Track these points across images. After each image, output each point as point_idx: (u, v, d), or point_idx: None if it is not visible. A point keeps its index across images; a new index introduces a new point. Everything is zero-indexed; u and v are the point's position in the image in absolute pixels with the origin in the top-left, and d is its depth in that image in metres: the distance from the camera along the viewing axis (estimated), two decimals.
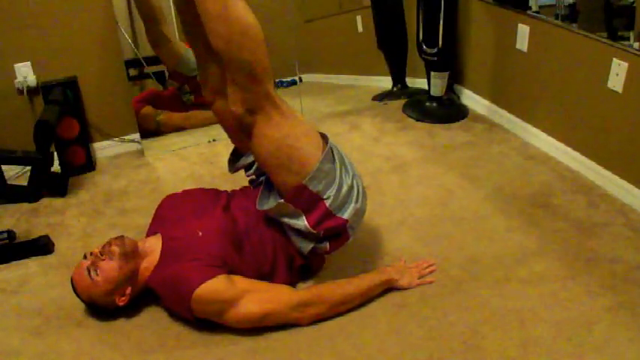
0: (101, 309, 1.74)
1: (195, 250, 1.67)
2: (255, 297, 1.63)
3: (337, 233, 1.71)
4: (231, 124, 1.77)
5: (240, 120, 1.61)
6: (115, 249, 1.69)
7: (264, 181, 1.83)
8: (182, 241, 1.72)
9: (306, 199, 1.64)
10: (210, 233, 1.71)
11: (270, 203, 1.74)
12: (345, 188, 1.67)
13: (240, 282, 1.65)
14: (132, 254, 1.70)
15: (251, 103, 1.58)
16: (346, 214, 1.68)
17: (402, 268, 1.84)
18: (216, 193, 1.95)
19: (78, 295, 1.73)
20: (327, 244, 1.72)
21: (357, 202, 1.70)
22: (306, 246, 1.72)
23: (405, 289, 1.79)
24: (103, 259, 1.68)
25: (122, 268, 1.68)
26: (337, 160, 1.70)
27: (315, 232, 1.66)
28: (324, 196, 1.65)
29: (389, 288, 1.79)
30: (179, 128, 3.15)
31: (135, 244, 1.72)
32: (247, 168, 1.95)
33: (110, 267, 1.67)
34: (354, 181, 1.72)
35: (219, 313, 1.62)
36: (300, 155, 1.63)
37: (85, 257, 1.72)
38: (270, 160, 1.65)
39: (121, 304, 1.71)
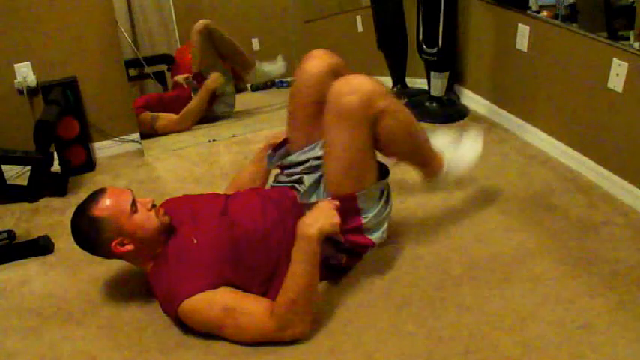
0: (91, 241, 1.67)
1: (188, 257, 1.66)
2: (237, 324, 1.59)
3: (357, 252, 1.78)
4: (308, 112, 1.82)
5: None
6: (164, 219, 1.71)
7: (312, 180, 1.82)
8: (177, 246, 1.70)
9: (348, 209, 1.70)
10: (205, 241, 1.69)
11: (315, 198, 1.77)
12: (381, 217, 1.78)
13: (224, 299, 1.59)
14: (165, 233, 1.71)
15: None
16: (373, 238, 1.76)
17: (308, 215, 1.66)
18: (214, 197, 1.92)
19: (84, 211, 1.66)
20: (344, 257, 1.77)
21: (384, 232, 1.79)
22: (324, 250, 1.67)
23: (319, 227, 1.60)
24: (149, 211, 1.71)
25: (153, 234, 1.68)
26: (385, 192, 1.81)
27: (342, 239, 1.70)
28: (363, 215, 1.73)
29: (390, 288, 1.80)
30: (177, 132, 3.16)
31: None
32: (287, 167, 1.93)
33: (150, 219, 1.69)
34: (389, 215, 1.82)
35: (204, 327, 1.63)
36: (369, 167, 1.73)
37: (133, 202, 1.71)
38: (348, 157, 1.68)
39: (115, 250, 1.66)
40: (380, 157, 1.80)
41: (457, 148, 2.00)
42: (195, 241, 1.69)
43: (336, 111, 1.64)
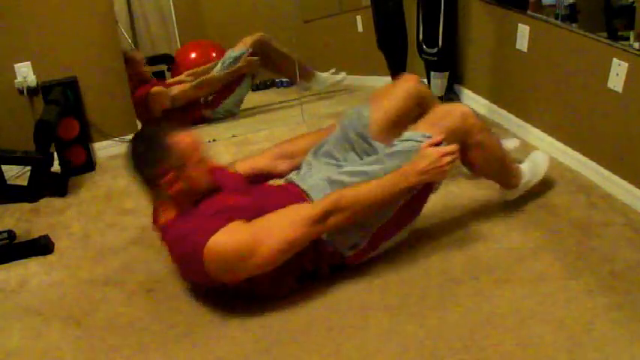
0: (150, 160, 1.66)
1: (217, 209, 1.66)
2: (270, 231, 1.61)
3: (368, 248, 1.84)
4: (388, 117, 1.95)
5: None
6: (214, 184, 1.74)
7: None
8: (208, 204, 1.70)
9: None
10: (235, 201, 1.72)
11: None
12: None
13: (253, 222, 1.62)
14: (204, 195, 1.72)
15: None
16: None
17: (419, 154, 1.78)
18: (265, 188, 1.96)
19: (164, 131, 1.67)
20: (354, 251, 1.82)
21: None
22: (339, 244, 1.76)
23: (429, 176, 1.74)
24: (209, 170, 1.75)
25: (201, 190, 1.71)
26: None
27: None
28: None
29: (390, 288, 1.79)
30: (194, 100, 3.15)
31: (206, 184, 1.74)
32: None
33: (208, 177, 1.72)
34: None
35: (237, 261, 1.59)
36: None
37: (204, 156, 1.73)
38: None
39: (163, 181, 1.65)
40: None
41: (530, 162, 2.19)
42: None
43: (438, 127, 1.82)
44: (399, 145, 1.83)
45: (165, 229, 1.72)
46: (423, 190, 1.84)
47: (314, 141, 2.04)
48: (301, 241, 1.64)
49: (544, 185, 2.31)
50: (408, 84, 2.00)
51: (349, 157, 1.95)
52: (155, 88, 3.06)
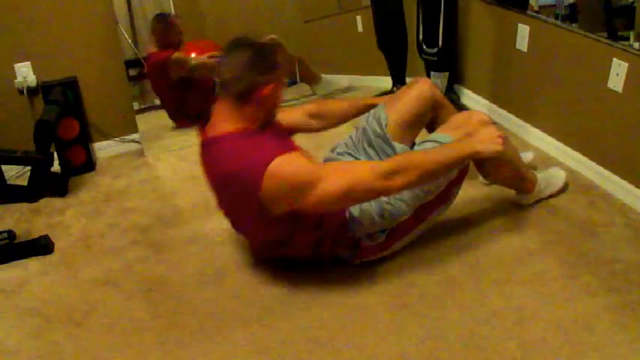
0: (261, 60, 1.65)
1: (272, 131, 1.71)
2: (337, 169, 1.62)
3: (383, 244, 1.86)
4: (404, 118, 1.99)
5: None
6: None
7: None
8: (274, 130, 1.76)
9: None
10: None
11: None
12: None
13: (317, 162, 1.65)
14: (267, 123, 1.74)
15: None
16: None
17: (479, 135, 1.81)
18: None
19: (279, 43, 1.78)
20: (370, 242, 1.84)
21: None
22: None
23: (486, 154, 1.75)
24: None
25: (273, 110, 1.75)
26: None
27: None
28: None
29: (390, 288, 1.80)
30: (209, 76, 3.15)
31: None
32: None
33: (280, 102, 1.75)
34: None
35: (296, 189, 1.57)
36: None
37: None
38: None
39: (265, 83, 1.64)
40: None
41: (546, 173, 2.22)
42: None
43: (457, 133, 1.84)
44: (428, 144, 1.86)
45: (222, 140, 1.68)
46: (446, 188, 1.87)
47: (352, 109, 2.09)
48: (363, 190, 1.61)
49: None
50: (422, 87, 2.03)
51: (370, 155, 1.96)
52: (177, 54, 3.05)
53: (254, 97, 1.65)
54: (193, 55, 3.22)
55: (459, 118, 1.95)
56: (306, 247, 1.81)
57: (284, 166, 1.56)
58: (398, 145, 1.93)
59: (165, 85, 3.08)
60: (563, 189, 2.24)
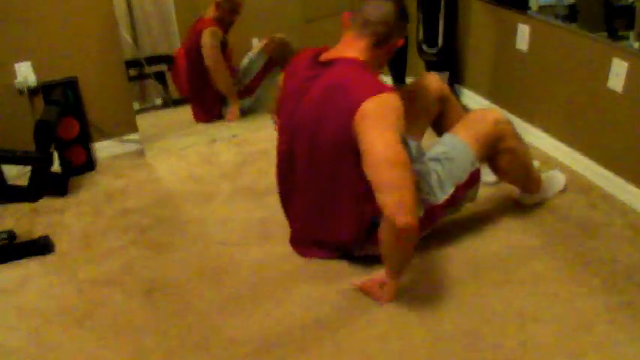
0: (400, 16, 1.80)
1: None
2: (399, 177, 1.59)
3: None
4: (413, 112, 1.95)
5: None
6: None
7: None
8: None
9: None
10: None
11: None
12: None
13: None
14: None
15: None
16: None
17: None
18: None
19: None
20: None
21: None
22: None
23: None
24: None
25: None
26: None
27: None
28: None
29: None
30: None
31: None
32: None
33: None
34: None
35: (373, 129, 1.58)
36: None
37: None
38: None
39: (399, 34, 1.79)
40: None
41: (547, 176, 2.23)
42: None
43: (473, 131, 1.89)
44: (439, 148, 1.93)
45: (350, 61, 1.72)
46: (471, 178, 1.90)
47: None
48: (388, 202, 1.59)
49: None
50: (430, 79, 2.09)
51: None
52: (213, 28, 3.09)
53: (388, 45, 1.77)
54: None
55: (474, 115, 1.96)
56: (349, 225, 1.80)
57: (387, 101, 1.60)
58: (412, 143, 1.93)
59: (195, 67, 3.11)
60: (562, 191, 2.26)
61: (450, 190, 1.87)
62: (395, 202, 1.52)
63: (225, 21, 3.15)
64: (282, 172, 1.94)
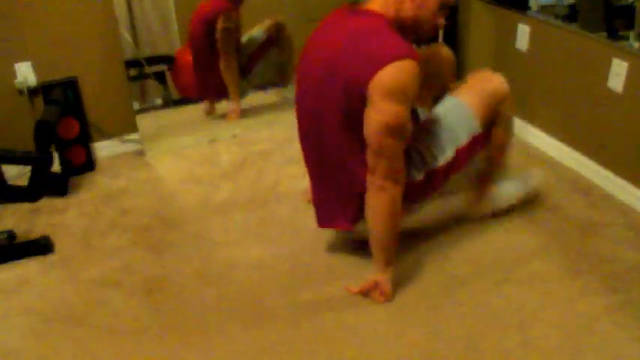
0: None
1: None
2: (391, 152, 1.65)
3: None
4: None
5: None
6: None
7: None
8: None
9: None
10: None
11: None
12: None
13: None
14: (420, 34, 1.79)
15: None
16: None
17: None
18: None
19: None
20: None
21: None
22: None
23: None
24: None
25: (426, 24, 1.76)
26: None
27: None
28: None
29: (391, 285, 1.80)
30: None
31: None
32: None
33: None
34: None
35: (397, 89, 1.58)
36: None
37: None
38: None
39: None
40: None
41: (505, 183, 2.13)
42: None
43: (480, 90, 1.89)
44: (440, 108, 1.92)
45: (376, 15, 1.70)
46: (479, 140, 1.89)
47: None
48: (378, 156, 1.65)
49: (544, 185, 2.31)
50: (445, 50, 2.10)
51: None
52: (229, 12, 3.11)
53: (415, 14, 1.70)
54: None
55: (479, 76, 1.96)
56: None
57: (408, 71, 1.58)
58: (420, 111, 1.95)
59: (204, 44, 3.11)
60: (533, 193, 2.18)
61: (450, 154, 1.84)
62: (385, 167, 1.63)
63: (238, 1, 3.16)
64: (304, 129, 1.89)
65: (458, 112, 1.88)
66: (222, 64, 3.16)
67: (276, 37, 3.33)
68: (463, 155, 1.87)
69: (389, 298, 1.75)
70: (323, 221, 1.94)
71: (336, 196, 1.86)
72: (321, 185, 1.91)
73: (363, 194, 1.74)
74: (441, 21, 1.76)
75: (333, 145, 1.76)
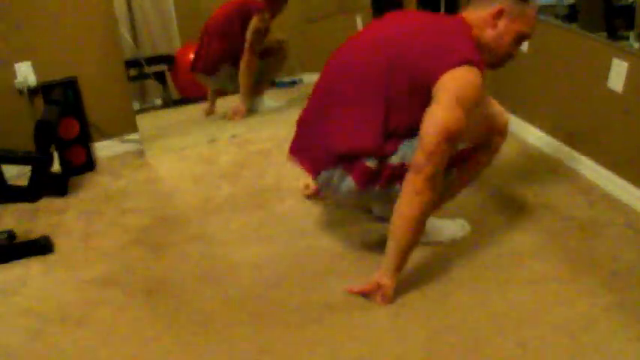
0: None
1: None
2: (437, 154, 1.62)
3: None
4: None
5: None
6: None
7: None
8: None
9: None
10: None
11: None
12: None
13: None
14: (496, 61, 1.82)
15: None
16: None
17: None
18: None
19: None
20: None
21: None
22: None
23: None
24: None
25: (499, 53, 1.78)
26: None
27: None
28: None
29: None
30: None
31: None
32: None
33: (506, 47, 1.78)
34: None
35: (459, 92, 1.60)
36: None
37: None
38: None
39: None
40: None
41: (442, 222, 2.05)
42: None
43: (484, 105, 1.83)
44: None
45: (460, 22, 1.74)
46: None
47: None
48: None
49: (544, 185, 2.31)
50: (502, 111, 2.06)
51: None
52: (264, 14, 3.13)
53: (489, 15, 1.70)
54: (193, 55, 3.22)
55: (489, 99, 1.97)
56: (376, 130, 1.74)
57: (473, 80, 1.61)
58: None
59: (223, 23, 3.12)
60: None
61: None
62: (430, 171, 1.60)
63: (276, 7, 3.15)
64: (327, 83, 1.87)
65: None
66: (243, 62, 3.15)
67: (273, 51, 3.31)
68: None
69: (389, 302, 1.75)
70: (294, 152, 1.95)
71: (316, 142, 1.85)
72: (311, 124, 1.90)
73: (336, 157, 1.75)
74: (515, 53, 1.79)
75: (347, 102, 1.77)
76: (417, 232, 1.69)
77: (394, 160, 1.73)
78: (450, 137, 1.60)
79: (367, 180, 1.76)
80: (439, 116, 1.60)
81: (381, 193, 1.79)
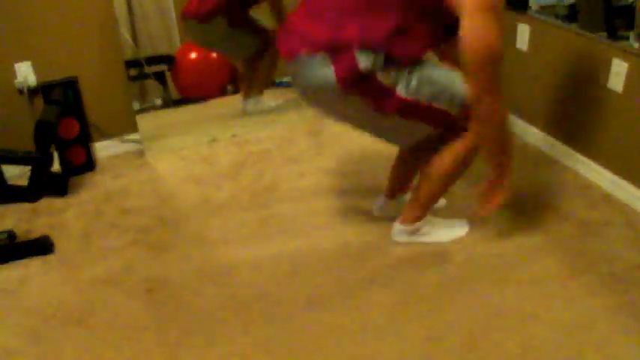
0: None
1: None
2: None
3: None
4: None
5: None
6: None
7: None
8: None
9: None
10: None
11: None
12: None
13: None
14: None
15: None
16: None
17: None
18: None
19: None
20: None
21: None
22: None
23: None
24: None
25: None
26: None
27: None
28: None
29: (390, 288, 1.79)
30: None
31: None
32: None
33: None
34: None
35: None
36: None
37: None
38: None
39: None
40: None
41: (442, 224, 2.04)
42: None
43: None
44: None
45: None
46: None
47: None
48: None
49: (544, 185, 2.31)
50: None
51: None
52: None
53: None
54: (193, 55, 3.22)
55: None
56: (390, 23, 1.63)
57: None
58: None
59: None
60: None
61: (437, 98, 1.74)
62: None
63: None
64: None
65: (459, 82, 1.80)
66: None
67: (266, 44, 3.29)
68: (434, 110, 1.74)
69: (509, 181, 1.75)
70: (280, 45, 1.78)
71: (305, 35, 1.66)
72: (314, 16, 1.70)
73: (323, 42, 1.58)
74: None
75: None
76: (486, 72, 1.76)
77: (400, 90, 1.64)
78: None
79: (351, 79, 1.57)
80: None
81: (369, 118, 1.69)
